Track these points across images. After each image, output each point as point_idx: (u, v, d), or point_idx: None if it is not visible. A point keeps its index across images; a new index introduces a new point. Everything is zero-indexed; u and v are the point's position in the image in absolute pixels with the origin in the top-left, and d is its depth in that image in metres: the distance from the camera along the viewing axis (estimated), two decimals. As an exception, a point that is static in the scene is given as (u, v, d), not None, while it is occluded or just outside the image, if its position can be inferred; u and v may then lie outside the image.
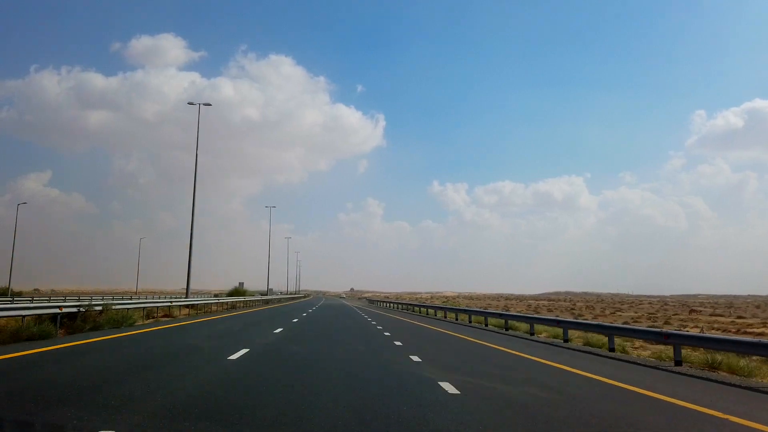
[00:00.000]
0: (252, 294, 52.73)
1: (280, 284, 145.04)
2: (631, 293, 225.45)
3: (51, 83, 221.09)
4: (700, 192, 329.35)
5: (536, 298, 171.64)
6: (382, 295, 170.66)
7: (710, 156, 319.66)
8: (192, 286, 39.38)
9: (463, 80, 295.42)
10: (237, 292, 45.69)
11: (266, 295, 63.64)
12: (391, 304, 67.56)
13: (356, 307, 63.81)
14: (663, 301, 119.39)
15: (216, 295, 49.82)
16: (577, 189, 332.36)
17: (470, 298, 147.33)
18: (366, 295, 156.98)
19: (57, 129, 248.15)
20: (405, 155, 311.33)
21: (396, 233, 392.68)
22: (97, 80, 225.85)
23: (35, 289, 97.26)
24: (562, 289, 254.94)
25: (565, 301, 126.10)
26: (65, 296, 56.42)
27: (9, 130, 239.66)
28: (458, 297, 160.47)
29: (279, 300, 68.21)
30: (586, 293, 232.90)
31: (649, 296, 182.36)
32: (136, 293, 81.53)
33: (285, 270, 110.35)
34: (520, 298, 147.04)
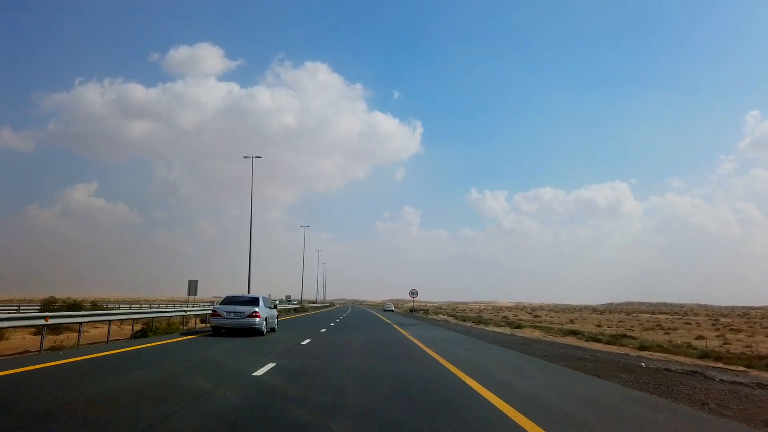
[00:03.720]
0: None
1: (310, 293, 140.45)
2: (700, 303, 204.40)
3: (94, 95, 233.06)
4: (754, 197, 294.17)
5: (604, 309, 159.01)
6: (434, 305, 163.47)
7: (765, 159, 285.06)
8: (215, 294, 36.83)
9: (501, 84, 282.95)
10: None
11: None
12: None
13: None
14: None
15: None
16: (621, 195, 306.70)
17: (540, 309, 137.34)
18: (410, 304, 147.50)
19: (101, 140, 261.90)
20: (442, 162, 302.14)
21: (434, 241, 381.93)
22: (138, 91, 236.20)
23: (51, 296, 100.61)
24: (632, 298, 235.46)
25: (698, 314, 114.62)
26: (109, 303, 54.59)
27: (56, 142, 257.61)
28: (516, 308, 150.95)
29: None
30: (665, 303, 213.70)
31: (726, 307, 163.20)
32: (163, 301, 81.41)
33: (317, 279, 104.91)
34: (605, 309, 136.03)
